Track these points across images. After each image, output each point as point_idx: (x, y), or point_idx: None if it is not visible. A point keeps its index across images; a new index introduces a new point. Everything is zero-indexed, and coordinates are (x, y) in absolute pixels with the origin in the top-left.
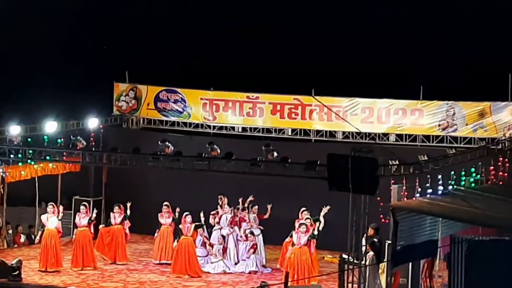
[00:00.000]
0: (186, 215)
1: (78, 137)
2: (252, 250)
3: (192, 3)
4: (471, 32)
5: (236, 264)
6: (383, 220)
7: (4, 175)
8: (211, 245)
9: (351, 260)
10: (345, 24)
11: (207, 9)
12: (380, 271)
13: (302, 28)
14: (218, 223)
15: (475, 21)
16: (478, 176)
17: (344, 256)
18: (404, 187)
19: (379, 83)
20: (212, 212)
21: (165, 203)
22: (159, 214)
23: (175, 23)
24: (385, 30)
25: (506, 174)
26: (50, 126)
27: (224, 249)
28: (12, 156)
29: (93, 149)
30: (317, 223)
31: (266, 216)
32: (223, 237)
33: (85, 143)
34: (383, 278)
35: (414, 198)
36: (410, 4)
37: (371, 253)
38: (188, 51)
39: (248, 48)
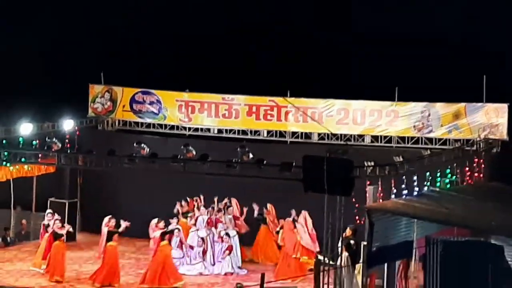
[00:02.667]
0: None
1: (53, 139)
2: (227, 252)
3: (164, 2)
4: (446, 33)
5: (212, 265)
6: (358, 221)
7: None
8: (191, 247)
9: (327, 261)
10: (320, 26)
11: (182, 9)
12: (356, 272)
13: (278, 30)
14: (195, 224)
15: (449, 21)
16: (454, 177)
17: (320, 257)
18: (380, 189)
19: (354, 85)
20: (189, 215)
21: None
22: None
23: (149, 23)
24: (360, 32)
25: (481, 175)
26: (25, 128)
27: (204, 251)
28: None
29: (69, 151)
30: None
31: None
32: (202, 239)
33: (60, 145)
34: (359, 279)
35: (389, 200)
36: (383, 5)
37: (346, 254)
38: (163, 52)
39: (224, 49)
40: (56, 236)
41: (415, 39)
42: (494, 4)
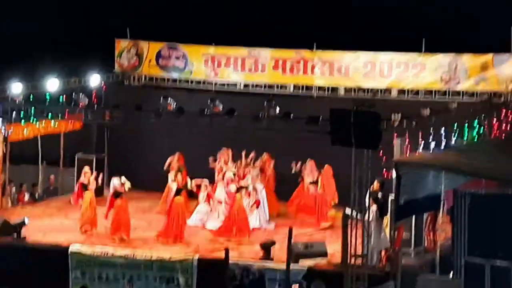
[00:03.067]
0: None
1: (80, 95)
2: (255, 206)
3: None
4: None
5: None
6: (386, 175)
7: (6, 133)
8: (219, 202)
9: (354, 215)
10: None
11: None
12: (383, 225)
13: None
14: (222, 179)
15: None
16: (481, 129)
17: (348, 211)
18: (407, 141)
19: (381, 36)
20: (216, 168)
21: None
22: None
23: None
24: None
25: (509, 127)
26: (52, 84)
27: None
28: (14, 114)
29: (95, 106)
30: None
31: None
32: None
33: (87, 101)
34: (386, 232)
35: (417, 152)
36: None
37: (374, 207)
38: (189, 6)
39: (250, 2)
40: (116, 194)
41: None
42: None
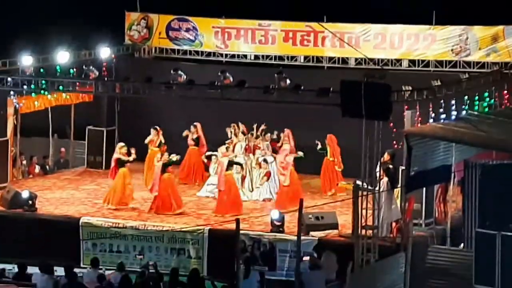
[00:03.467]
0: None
1: (91, 67)
2: (265, 178)
3: None
4: None
5: (251, 191)
6: (396, 146)
7: (17, 106)
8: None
9: (365, 186)
10: None
11: None
12: (394, 196)
13: None
14: (233, 151)
15: None
16: (492, 100)
17: (358, 182)
18: (418, 113)
19: (392, 8)
20: (227, 141)
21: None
22: None
23: None
24: None
25: None
26: (62, 56)
27: (243, 178)
28: (25, 87)
29: (106, 79)
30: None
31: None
32: (241, 166)
33: (97, 73)
34: (397, 204)
35: (427, 124)
36: None
37: (385, 179)
38: None
39: None
40: (165, 166)
41: None
42: None
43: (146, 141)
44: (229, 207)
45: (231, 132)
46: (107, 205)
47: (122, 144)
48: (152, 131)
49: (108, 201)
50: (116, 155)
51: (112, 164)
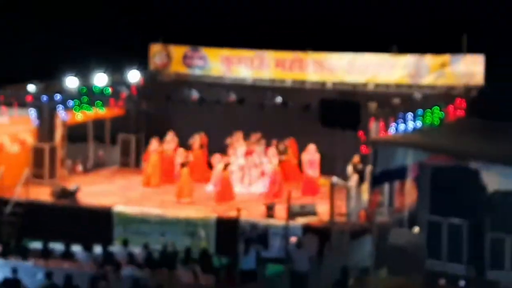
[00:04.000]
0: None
1: (123, 87)
2: (260, 176)
3: None
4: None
5: (249, 186)
6: (364, 150)
7: (64, 118)
8: (231, 172)
9: (340, 182)
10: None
11: None
12: (362, 190)
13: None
14: (235, 154)
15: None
16: (440, 115)
17: (334, 179)
18: (381, 124)
19: (362, 41)
20: (227, 141)
21: None
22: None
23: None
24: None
25: (462, 113)
26: (100, 78)
27: (243, 175)
28: (70, 103)
29: (134, 97)
30: None
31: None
32: (241, 166)
33: (128, 92)
34: (365, 196)
35: (389, 133)
36: None
37: (355, 176)
38: (209, 18)
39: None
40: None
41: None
42: None
43: (191, 141)
44: (225, 197)
45: (234, 138)
46: (184, 199)
47: (182, 149)
48: (196, 136)
49: (181, 196)
50: (179, 160)
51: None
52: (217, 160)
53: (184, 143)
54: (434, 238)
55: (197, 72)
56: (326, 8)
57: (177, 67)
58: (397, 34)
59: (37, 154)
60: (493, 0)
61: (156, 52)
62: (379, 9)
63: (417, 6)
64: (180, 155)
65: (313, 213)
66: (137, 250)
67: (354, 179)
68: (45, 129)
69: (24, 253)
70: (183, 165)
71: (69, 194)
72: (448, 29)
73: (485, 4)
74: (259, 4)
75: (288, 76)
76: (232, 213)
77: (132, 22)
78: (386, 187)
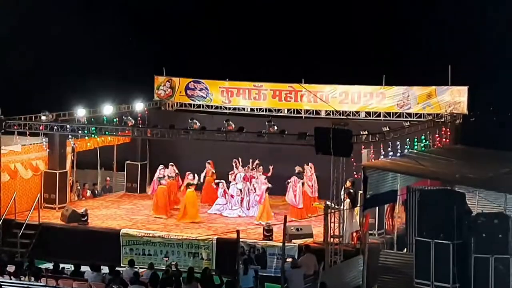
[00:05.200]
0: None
1: (129, 117)
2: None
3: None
4: (421, 34)
5: (248, 210)
6: (356, 175)
7: (74, 146)
8: (232, 196)
9: (333, 205)
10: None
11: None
12: (355, 213)
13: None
14: (234, 179)
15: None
16: (427, 142)
17: (328, 203)
18: (372, 151)
19: (353, 73)
20: (230, 172)
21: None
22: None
23: (198, 30)
24: (359, 30)
25: (448, 140)
26: (107, 109)
27: (242, 200)
28: (80, 132)
29: (140, 126)
30: None
31: (269, 174)
32: (240, 190)
33: (133, 121)
34: (357, 219)
35: (379, 159)
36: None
37: (348, 200)
38: (210, 53)
39: (254, 50)
40: (188, 185)
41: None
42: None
43: (203, 173)
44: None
45: (233, 165)
46: (183, 221)
47: (189, 172)
48: (206, 164)
49: (182, 217)
50: (186, 181)
51: (152, 185)
52: (190, 178)
53: (186, 169)
54: (422, 258)
55: (199, 102)
56: (321, 41)
57: (180, 98)
58: (386, 67)
59: (49, 179)
60: (476, 36)
61: (160, 83)
62: (370, 44)
63: (407, 41)
64: (189, 178)
65: (309, 234)
66: (142, 270)
67: (346, 203)
68: (56, 156)
69: (36, 274)
70: (188, 186)
71: (78, 217)
72: (434, 62)
73: (470, 39)
74: (258, 40)
75: (284, 106)
76: (232, 235)
77: (138, 57)
78: (376, 210)
